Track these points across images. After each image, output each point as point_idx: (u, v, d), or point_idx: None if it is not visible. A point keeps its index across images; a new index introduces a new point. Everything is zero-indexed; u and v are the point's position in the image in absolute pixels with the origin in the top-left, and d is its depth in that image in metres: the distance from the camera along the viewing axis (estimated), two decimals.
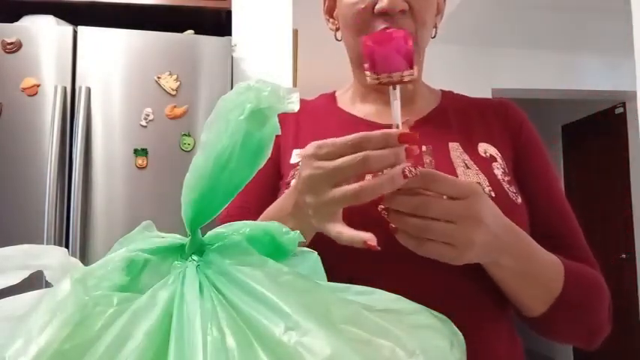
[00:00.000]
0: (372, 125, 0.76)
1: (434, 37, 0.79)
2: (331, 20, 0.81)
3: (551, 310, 0.64)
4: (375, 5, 0.70)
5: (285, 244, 0.49)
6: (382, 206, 0.55)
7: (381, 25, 0.70)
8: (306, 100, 0.86)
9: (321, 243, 0.55)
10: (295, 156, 0.77)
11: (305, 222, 0.56)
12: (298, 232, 0.49)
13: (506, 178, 0.71)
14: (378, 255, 0.56)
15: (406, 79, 0.56)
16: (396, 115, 0.55)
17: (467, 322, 0.52)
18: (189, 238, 0.47)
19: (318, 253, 0.51)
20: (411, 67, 0.55)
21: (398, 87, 0.55)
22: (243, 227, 0.48)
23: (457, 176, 0.68)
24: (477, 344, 0.53)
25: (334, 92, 0.88)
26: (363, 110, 0.80)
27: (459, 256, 0.54)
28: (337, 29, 0.80)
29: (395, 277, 0.63)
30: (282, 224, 0.50)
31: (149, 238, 0.50)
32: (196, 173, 0.45)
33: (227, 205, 0.48)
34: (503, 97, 0.84)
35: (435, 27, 0.79)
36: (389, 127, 0.76)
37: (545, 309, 0.64)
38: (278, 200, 0.63)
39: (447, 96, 0.84)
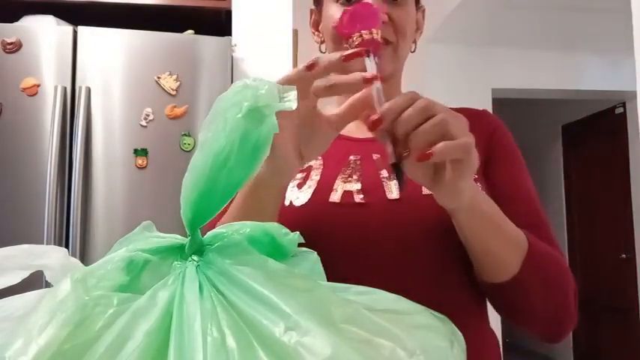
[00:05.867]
0: (349, 140, 0.80)
1: (413, 51, 0.84)
2: (317, 33, 0.86)
3: (522, 271, 0.64)
4: None
5: (284, 245, 0.49)
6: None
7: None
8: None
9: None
10: None
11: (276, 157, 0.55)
12: (298, 233, 0.49)
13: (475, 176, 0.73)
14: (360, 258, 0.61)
15: (377, 37, 0.58)
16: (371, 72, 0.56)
17: (446, 314, 0.52)
18: (189, 238, 0.47)
19: None
20: (378, 26, 0.58)
21: (372, 56, 0.56)
22: (243, 227, 0.48)
23: None
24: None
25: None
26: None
27: (472, 147, 0.53)
28: (322, 42, 0.85)
29: (373, 269, 0.67)
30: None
31: (149, 238, 0.50)
32: (195, 173, 0.45)
33: (219, 213, 0.48)
34: (485, 109, 0.86)
35: (414, 42, 0.84)
36: (366, 140, 0.80)
37: (517, 269, 0.64)
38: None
39: None
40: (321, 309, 0.41)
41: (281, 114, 0.47)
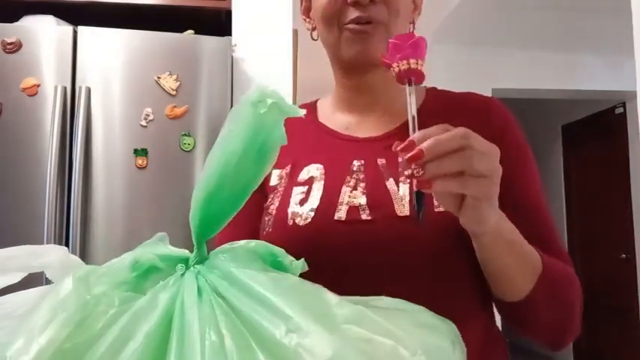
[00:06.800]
0: (350, 140, 0.77)
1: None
2: (308, 20, 0.83)
3: (534, 291, 0.65)
4: None
5: (287, 266, 0.49)
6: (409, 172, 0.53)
7: (353, 14, 0.72)
8: None
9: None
10: (275, 177, 0.77)
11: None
12: (303, 260, 0.49)
13: None
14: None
15: (416, 66, 0.57)
16: (410, 109, 0.57)
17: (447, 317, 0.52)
18: (195, 250, 0.47)
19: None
20: (418, 56, 0.58)
21: (413, 84, 0.58)
22: (248, 243, 0.49)
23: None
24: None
25: (316, 101, 0.88)
26: (343, 121, 0.81)
27: (495, 183, 0.54)
28: (314, 29, 0.81)
29: (378, 288, 0.65)
30: None
31: (159, 247, 0.50)
32: (207, 173, 0.45)
33: (228, 222, 0.48)
34: (493, 97, 0.82)
35: (412, 22, 0.80)
36: (368, 140, 0.78)
37: (530, 289, 0.64)
38: None
39: (430, 94, 0.83)
40: (322, 310, 0.41)
41: None
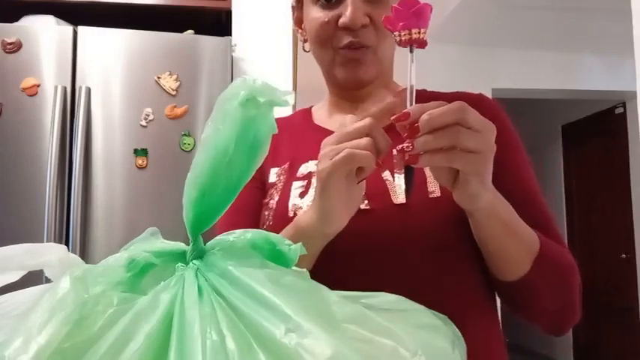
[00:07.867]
0: None
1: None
2: (300, 31, 0.84)
3: (532, 271, 0.65)
4: (337, 19, 0.74)
5: (285, 253, 0.48)
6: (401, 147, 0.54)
7: (346, 39, 0.74)
8: (282, 118, 0.90)
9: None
10: (274, 175, 0.79)
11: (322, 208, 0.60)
12: (300, 244, 0.49)
13: None
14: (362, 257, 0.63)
15: (418, 36, 0.57)
16: (410, 77, 0.58)
17: (453, 317, 0.52)
18: (191, 244, 0.47)
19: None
20: (420, 25, 0.57)
21: (414, 50, 0.58)
22: (244, 233, 0.48)
23: (426, 177, 0.70)
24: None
25: (311, 107, 0.90)
26: (338, 122, 0.82)
27: (486, 160, 0.54)
28: (305, 40, 0.83)
29: (380, 276, 0.66)
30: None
31: (153, 242, 0.50)
32: (197, 170, 0.45)
33: (225, 213, 0.48)
34: (483, 94, 0.83)
35: None
36: None
37: (528, 269, 0.65)
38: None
39: (419, 97, 0.85)
40: (322, 309, 0.41)
41: (334, 179, 0.56)
